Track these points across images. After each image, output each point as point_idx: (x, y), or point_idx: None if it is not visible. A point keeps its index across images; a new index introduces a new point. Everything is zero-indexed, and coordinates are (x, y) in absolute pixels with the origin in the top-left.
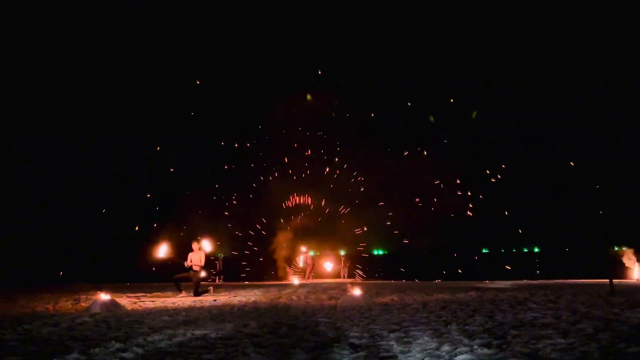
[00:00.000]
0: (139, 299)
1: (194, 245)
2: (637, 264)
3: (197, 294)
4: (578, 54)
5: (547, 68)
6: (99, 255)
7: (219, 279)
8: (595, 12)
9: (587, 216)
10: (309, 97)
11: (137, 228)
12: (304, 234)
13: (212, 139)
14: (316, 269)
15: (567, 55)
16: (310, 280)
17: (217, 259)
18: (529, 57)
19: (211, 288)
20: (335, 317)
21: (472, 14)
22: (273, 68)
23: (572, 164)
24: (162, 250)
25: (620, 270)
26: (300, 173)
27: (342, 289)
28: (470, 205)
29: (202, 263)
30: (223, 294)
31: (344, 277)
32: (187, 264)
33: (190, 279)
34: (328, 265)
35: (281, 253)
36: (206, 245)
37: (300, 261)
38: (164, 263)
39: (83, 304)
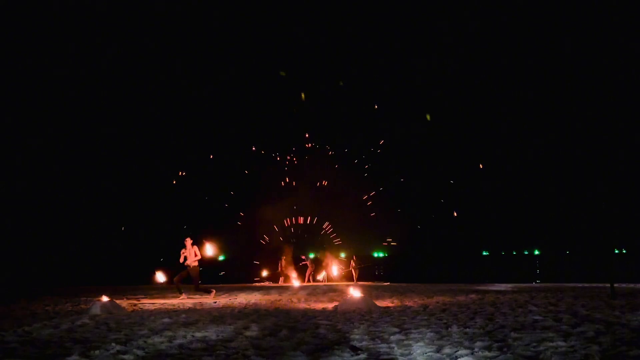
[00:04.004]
0: (139, 300)
1: (187, 242)
2: None
3: (197, 288)
4: (577, 53)
5: (545, 66)
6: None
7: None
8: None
9: (588, 218)
10: (303, 95)
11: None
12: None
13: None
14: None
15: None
16: (311, 283)
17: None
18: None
19: (213, 290)
20: (336, 319)
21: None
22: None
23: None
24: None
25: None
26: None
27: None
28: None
29: (199, 256)
30: (223, 296)
31: (355, 280)
32: (183, 255)
33: (189, 277)
34: (334, 269)
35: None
36: (209, 249)
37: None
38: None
39: (83, 306)
